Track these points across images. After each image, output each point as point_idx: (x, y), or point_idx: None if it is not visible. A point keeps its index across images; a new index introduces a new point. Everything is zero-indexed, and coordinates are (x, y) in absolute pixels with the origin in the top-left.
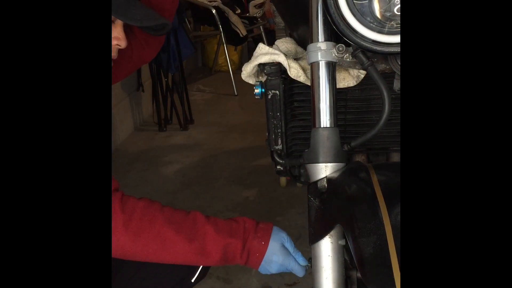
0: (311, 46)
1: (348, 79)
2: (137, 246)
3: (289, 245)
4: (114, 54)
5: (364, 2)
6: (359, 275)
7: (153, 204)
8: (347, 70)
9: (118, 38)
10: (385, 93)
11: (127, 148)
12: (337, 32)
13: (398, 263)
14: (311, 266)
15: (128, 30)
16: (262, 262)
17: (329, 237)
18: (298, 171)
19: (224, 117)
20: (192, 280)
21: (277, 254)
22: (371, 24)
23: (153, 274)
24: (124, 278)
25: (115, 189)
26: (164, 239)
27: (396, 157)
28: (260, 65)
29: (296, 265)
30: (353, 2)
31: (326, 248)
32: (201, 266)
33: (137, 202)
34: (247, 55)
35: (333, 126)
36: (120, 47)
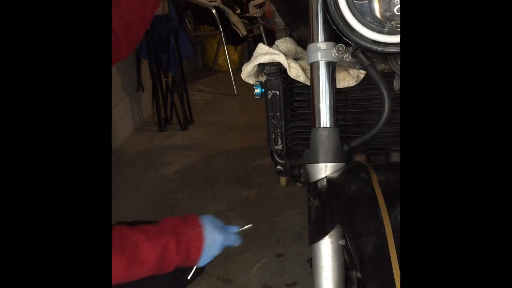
0: (311, 46)
1: (348, 79)
2: None
3: (219, 222)
4: None
5: (364, 2)
6: (359, 275)
7: None
8: (347, 70)
9: None
10: (385, 93)
11: (127, 148)
12: (337, 32)
13: (398, 263)
14: (311, 266)
15: None
16: (205, 248)
17: (329, 237)
18: (298, 171)
19: (224, 117)
20: (188, 277)
21: (217, 233)
22: (371, 24)
23: None
24: None
25: None
26: None
27: (396, 157)
28: (260, 65)
29: (234, 236)
30: (353, 2)
31: (326, 248)
32: None
33: None
34: (247, 55)
35: (333, 126)
36: None
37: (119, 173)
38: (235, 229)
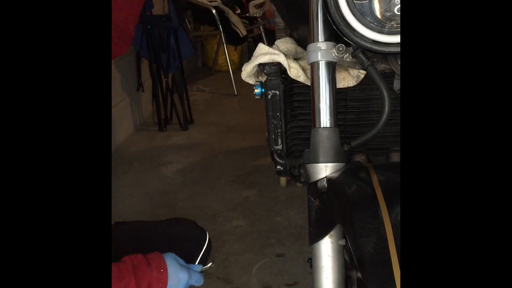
0: (311, 46)
1: (348, 79)
2: None
3: (181, 261)
4: None
5: (364, 2)
6: (359, 275)
7: None
8: (347, 70)
9: None
10: (385, 93)
11: (127, 148)
12: (337, 32)
13: (398, 263)
14: (311, 266)
15: None
16: None
17: (329, 237)
18: (298, 171)
19: (224, 117)
20: None
21: (181, 272)
22: (371, 24)
23: None
24: None
25: None
26: None
27: (396, 157)
28: (260, 65)
29: (198, 275)
30: (353, 2)
31: (326, 248)
32: None
33: None
34: (247, 55)
35: (333, 126)
36: None
37: (119, 173)
38: (198, 268)
